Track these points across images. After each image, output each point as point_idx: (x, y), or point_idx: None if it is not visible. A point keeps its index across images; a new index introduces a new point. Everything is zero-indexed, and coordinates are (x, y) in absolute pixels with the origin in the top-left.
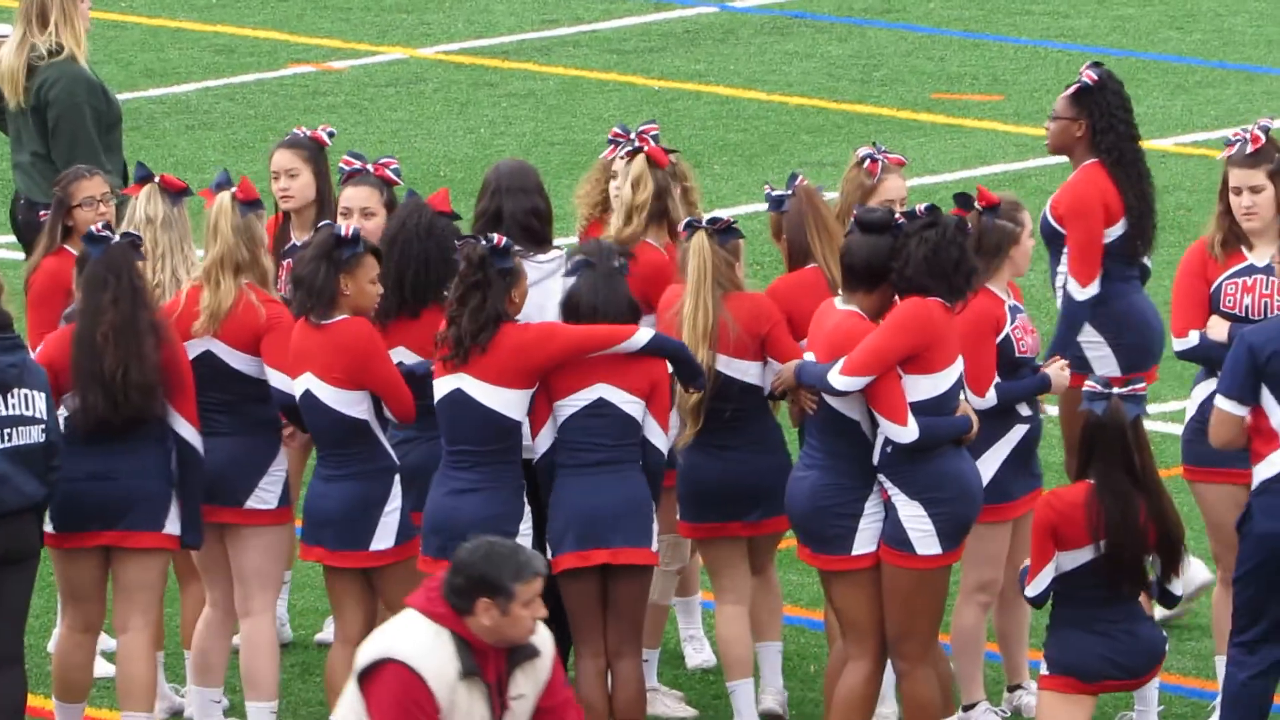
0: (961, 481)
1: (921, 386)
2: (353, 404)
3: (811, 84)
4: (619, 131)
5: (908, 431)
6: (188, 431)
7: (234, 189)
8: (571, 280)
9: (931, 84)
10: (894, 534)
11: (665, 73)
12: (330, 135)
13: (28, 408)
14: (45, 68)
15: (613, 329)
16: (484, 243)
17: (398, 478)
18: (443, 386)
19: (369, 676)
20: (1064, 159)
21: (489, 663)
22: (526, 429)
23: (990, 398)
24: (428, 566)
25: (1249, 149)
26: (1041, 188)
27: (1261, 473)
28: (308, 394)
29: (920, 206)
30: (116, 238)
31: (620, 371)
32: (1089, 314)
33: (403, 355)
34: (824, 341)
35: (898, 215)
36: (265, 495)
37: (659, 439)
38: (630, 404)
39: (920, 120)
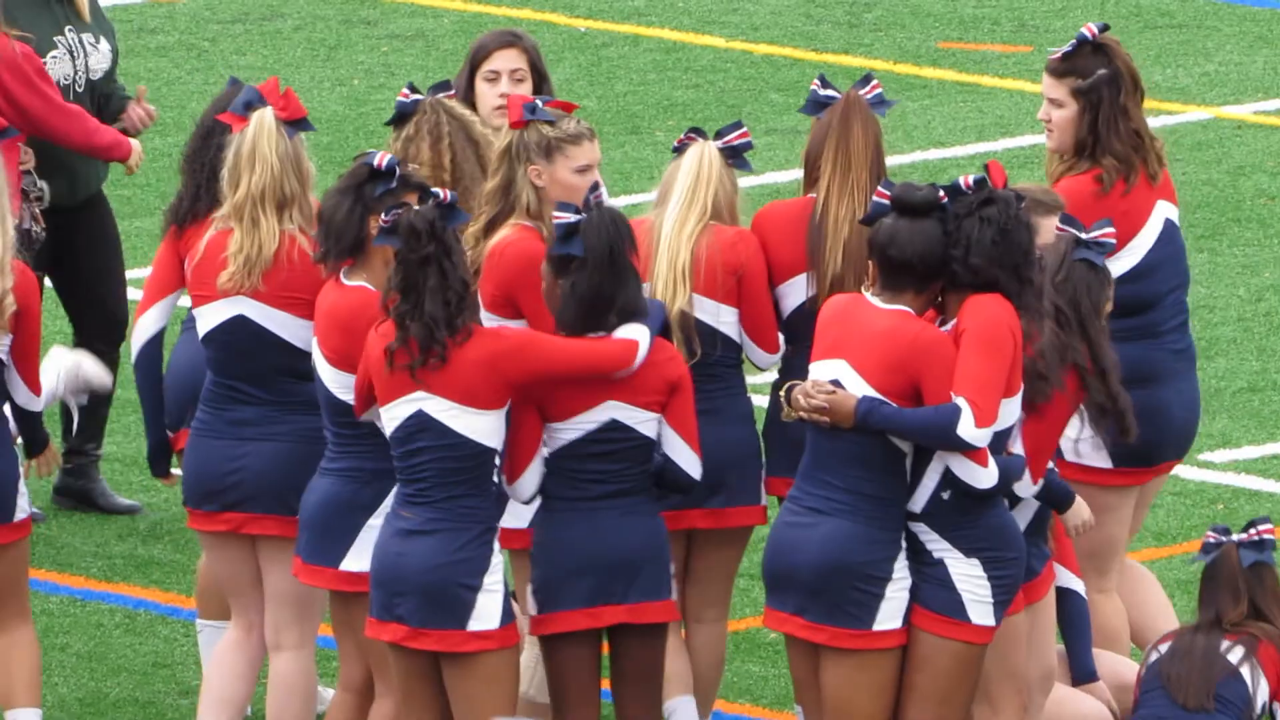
0: (1019, 537)
1: (1003, 413)
2: None
3: (784, 27)
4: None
5: (989, 474)
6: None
7: (270, 107)
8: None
9: (940, 30)
10: (941, 598)
11: (594, 10)
12: None
13: None
14: None
15: (614, 350)
16: (428, 203)
17: None
18: (399, 410)
19: None
20: None
21: None
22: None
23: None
24: (375, 630)
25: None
26: None
27: None
28: None
29: (967, 178)
30: None
31: (633, 384)
32: None
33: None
34: (883, 350)
35: (941, 194)
36: None
37: (687, 459)
38: (647, 423)
39: (925, 77)
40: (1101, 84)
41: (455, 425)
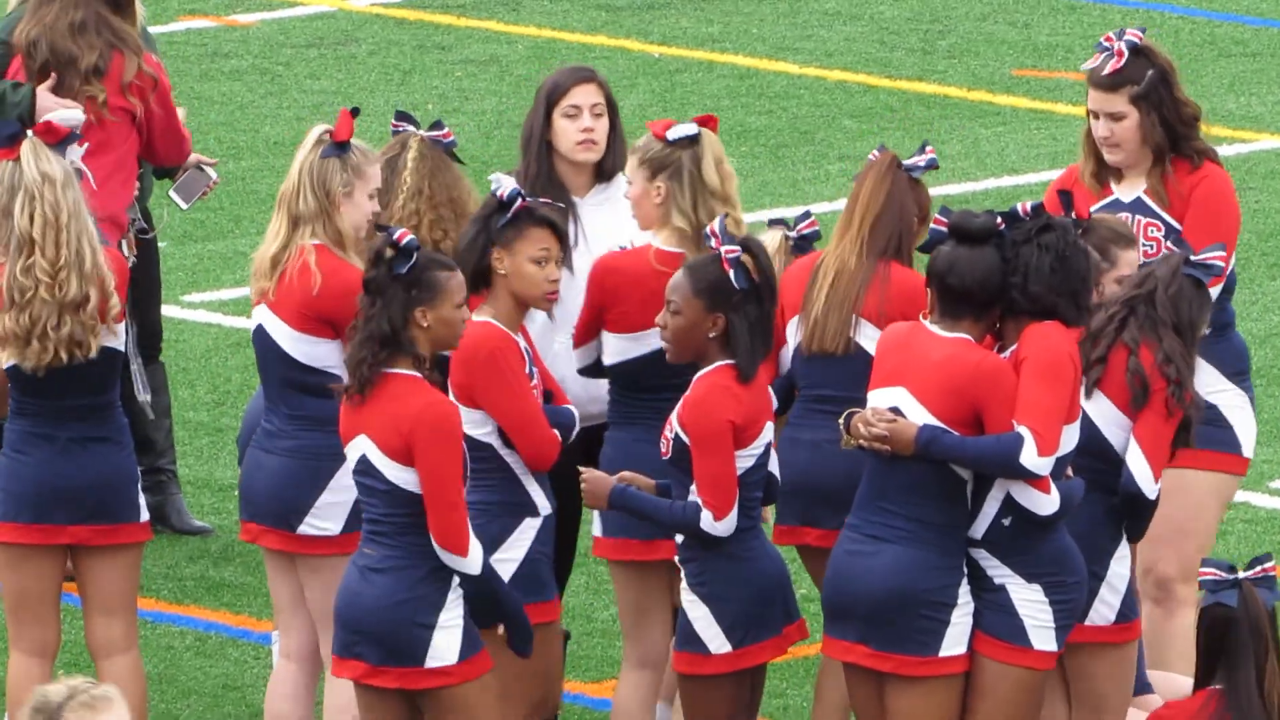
0: (1080, 562)
1: (1063, 440)
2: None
3: (857, 54)
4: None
5: (1051, 501)
6: None
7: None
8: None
9: (1014, 57)
10: (1003, 624)
11: (667, 37)
12: None
13: None
14: None
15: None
16: (386, 235)
17: None
18: (352, 451)
19: None
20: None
21: None
22: None
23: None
24: (337, 668)
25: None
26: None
27: None
28: None
29: (1024, 205)
30: None
31: (770, 403)
32: None
33: None
34: (944, 378)
35: (999, 221)
36: (323, 519)
37: (777, 471)
38: None
39: (998, 104)
40: (1156, 84)
41: (387, 473)
